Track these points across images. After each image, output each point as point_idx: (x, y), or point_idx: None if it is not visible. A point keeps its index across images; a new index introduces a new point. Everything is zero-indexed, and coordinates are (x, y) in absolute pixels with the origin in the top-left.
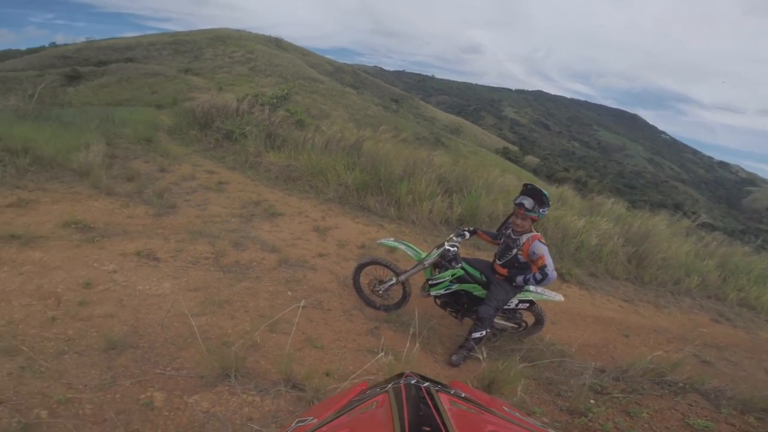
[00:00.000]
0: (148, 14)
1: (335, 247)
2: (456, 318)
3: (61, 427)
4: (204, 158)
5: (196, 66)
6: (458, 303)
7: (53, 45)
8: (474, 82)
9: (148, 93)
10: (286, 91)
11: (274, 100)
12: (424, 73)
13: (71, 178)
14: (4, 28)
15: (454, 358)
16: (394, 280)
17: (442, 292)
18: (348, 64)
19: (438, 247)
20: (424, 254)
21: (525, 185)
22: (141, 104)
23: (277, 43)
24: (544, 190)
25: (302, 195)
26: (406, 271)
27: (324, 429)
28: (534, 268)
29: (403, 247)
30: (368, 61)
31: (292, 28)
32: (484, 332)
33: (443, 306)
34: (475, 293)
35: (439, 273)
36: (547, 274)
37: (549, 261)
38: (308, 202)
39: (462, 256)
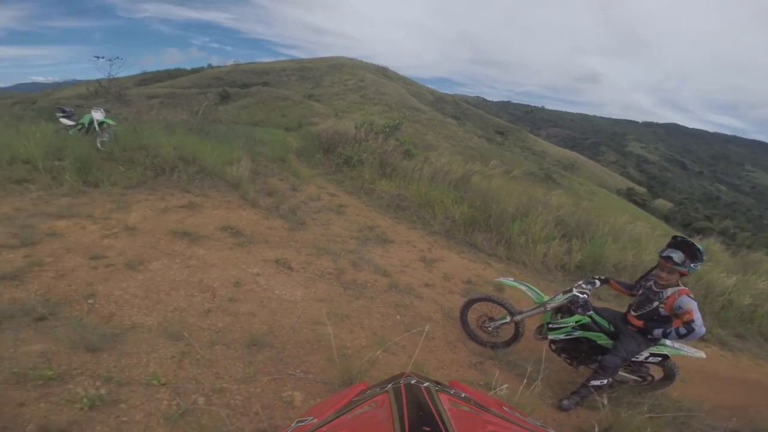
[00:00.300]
0: (279, 41)
1: (441, 279)
2: (570, 365)
3: (215, 414)
4: (327, 181)
5: (317, 92)
6: (577, 350)
7: (210, 66)
8: (591, 113)
9: (279, 116)
10: (397, 121)
11: (387, 130)
12: (533, 104)
13: (225, 188)
14: (174, 48)
15: (565, 402)
16: (508, 319)
17: (561, 337)
18: (449, 94)
19: (565, 293)
20: (546, 297)
21: (674, 237)
22: (273, 126)
23: (384, 72)
24: (697, 244)
25: (410, 224)
26: (522, 312)
27: (324, 429)
28: (677, 323)
29: (524, 287)
30: (470, 91)
31: (396, 57)
32: (604, 381)
33: (559, 351)
34: (598, 342)
35: (562, 318)
36: (693, 329)
37: (698, 316)
38: (415, 233)
39: None
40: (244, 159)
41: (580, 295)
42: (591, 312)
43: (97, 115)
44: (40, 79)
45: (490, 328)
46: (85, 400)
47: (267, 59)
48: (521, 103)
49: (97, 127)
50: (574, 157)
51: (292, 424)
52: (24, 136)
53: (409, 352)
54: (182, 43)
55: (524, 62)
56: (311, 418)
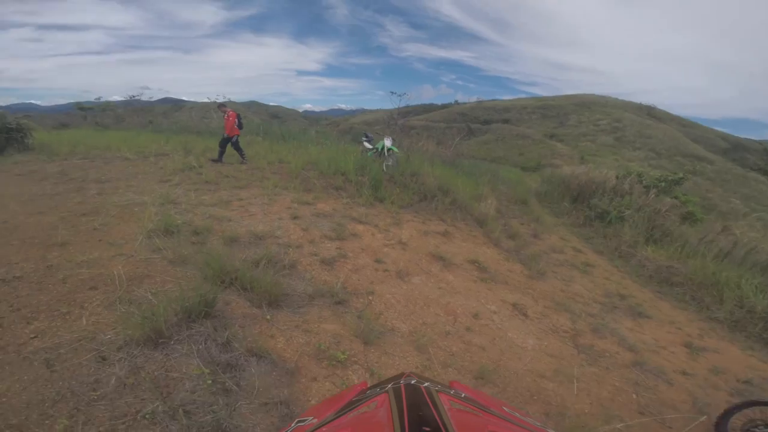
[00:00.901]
0: (519, 78)
1: (705, 371)
2: None
3: None
4: (572, 234)
5: (560, 132)
6: None
7: (456, 103)
8: None
9: (517, 154)
10: (680, 175)
11: (662, 184)
12: None
13: (472, 222)
14: (428, 84)
15: None
16: None
17: None
18: (753, 140)
19: None
20: None
21: None
22: (510, 164)
23: (650, 112)
24: None
25: (678, 303)
26: None
27: (324, 429)
28: None
29: None
30: None
31: (666, 95)
32: None
33: None
34: None
35: None
36: None
37: None
38: (684, 314)
39: None
40: (490, 197)
41: None
42: None
43: (388, 142)
44: (343, 106)
45: None
46: None
47: (507, 96)
48: None
49: (386, 153)
50: None
51: (292, 424)
52: (343, 153)
53: None
54: (434, 80)
55: None
56: (311, 418)
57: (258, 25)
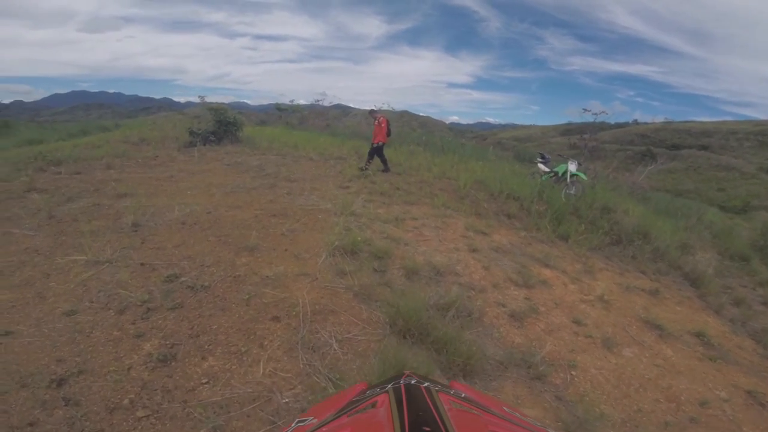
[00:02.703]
0: (725, 97)
1: None
2: None
3: None
4: None
5: None
6: None
7: (635, 122)
8: None
9: (714, 188)
10: None
11: None
12: None
13: (679, 279)
14: (596, 100)
15: None
16: None
17: None
18: None
19: None
20: None
21: None
22: (703, 200)
23: None
24: None
25: None
26: None
27: (324, 429)
28: None
29: None
30: None
31: None
32: None
33: None
34: None
35: None
36: None
37: None
38: None
39: None
40: (703, 249)
41: None
42: None
43: (572, 166)
44: (490, 119)
45: None
46: None
47: (706, 118)
48: None
49: (568, 178)
50: None
51: (293, 424)
52: (511, 173)
53: None
54: (605, 96)
55: None
56: (311, 418)
57: (413, 38)
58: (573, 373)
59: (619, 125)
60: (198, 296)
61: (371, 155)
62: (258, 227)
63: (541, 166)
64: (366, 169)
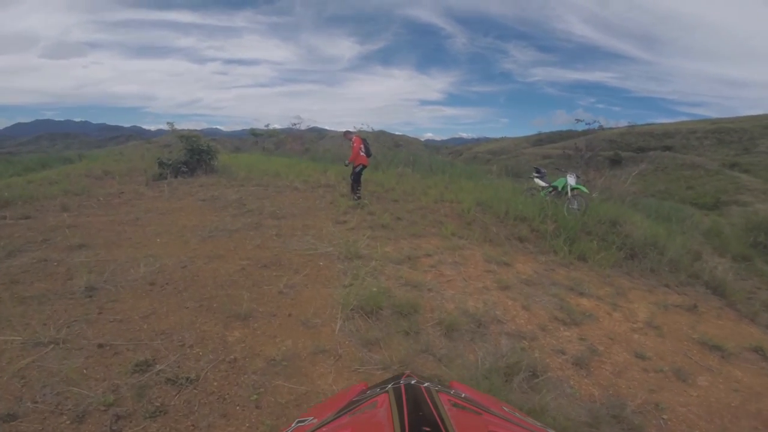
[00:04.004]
0: (678, 98)
1: None
2: None
3: None
4: None
5: (745, 160)
6: None
7: (601, 128)
8: None
9: (683, 188)
10: None
11: None
12: None
13: (701, 289)
14: (561, 109)
15: None
16: None
17: None
18: None
19: None
20: None
21: None
22: (676, 200)
23: None
24: None
25: None
26: None
27: (324, 429)
28: None
29: None
30: None
31: None
32: None
33: None
34: None
35: None
36: None
37: None
38: None
39: None
40: (705, 252)
41: None
42: None
43: (572, 180)
44: (464, 134)
45: None
46: None
47: (664, 120)
48: None
49: (568, 193)
50: None
51: (293, 424)
52: (509, 191)
53: None
54: (568, 104)
55: None
56: (311, 418)
57: (385, 57)
58: (664, 417)
59: (585, 132)
60: (184, 395)
61: (355, 181)
62: (248, 284)
63: (538, 181)
64: (359, 198)
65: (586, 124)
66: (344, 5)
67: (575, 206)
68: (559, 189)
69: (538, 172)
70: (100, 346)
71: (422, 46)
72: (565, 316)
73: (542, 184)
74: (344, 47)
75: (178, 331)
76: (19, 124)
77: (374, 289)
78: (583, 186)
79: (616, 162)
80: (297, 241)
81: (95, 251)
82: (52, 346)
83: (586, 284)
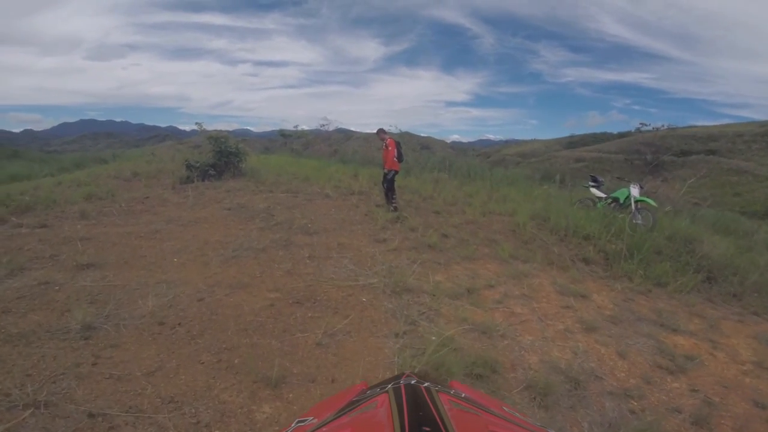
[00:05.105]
0: (721, 100)
1: None
2: None
3: None
4: None
5: None
6: None
7: (638, 130)
8: None
9: (729, 194)
10: None
11: None
12: None
13: None
14: (594, 111)
15: None
16: None
17: None
18: None
19: None
20: None
21: None
22: (721, 207)
23: None
24: None
25: None
26: None
27: (324, 429)
28: None
29: None
30: None
31: None
32: None
33: None
34: None
35: None
36: None
37: None
38: None
39: None
40: None
41: None
42: None
43: (635, 191)
44: (491, 136)
45: None
46: None
47: (706, 122)
48: None
49: (632, 206)
50: None
51: (292, 424)
52: (564, 202)
53: None
54: (602, 105)
55: None
56: (311, 418)
57: (410, 58)
58: None
59: (621, 134)
60: None
61: (388, 188)
62: (278, 329)
63: (594, 191)
64: (396, 209)
65: (642, 125)
66: (369, 7)
67: (640, 221)
68: (621, 201)
69: (594, 180)
70: (91, 415)
71: (448, 47)
72: (668, 362)
73: (599, 194)
74: (370, 48)
75: (190, 399)
76: (64, 124)
77: (433, 338)
78: (651, 200)
79: (655, 166)
80: (333, 267)
81: (103, 272)
82: (31, 410)
83: (673, 317)
